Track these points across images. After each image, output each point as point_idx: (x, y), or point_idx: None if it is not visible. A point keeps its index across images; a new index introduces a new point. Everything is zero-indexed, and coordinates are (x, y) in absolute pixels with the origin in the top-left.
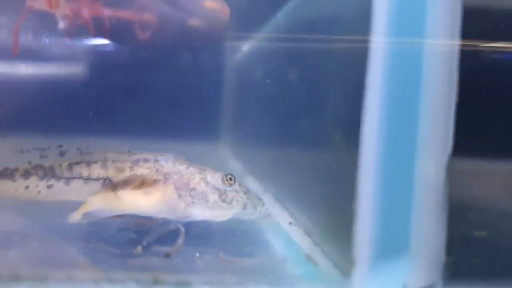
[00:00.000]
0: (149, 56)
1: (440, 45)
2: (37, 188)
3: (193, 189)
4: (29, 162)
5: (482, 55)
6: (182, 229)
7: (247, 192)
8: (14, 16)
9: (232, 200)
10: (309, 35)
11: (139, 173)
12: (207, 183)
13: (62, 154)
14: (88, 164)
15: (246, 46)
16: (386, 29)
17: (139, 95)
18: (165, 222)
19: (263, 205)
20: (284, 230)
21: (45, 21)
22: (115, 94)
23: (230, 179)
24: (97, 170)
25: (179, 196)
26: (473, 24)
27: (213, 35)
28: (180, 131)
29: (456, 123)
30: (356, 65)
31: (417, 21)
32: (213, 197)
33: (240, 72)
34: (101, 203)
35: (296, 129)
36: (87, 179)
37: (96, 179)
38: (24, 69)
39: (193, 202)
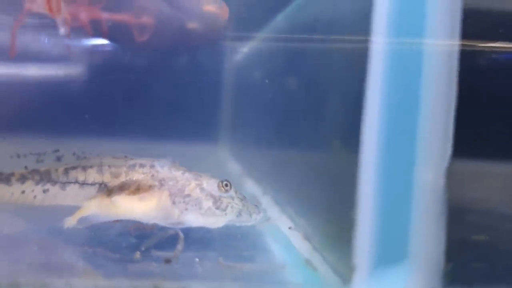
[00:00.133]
0: (148, 58)
1: (440, 45)
2: (33, 192)
3: (188, 195)
4: (26, 167)
5: (482, 55)
6: (181, 235)
7: (243, 198)
8: (12, 18)
9: (226, 207)
10: (309, 36)
11: (134, 179)
12: (202, 189)
13: (58, 158)
14: (84, 168)
15: (245, 47)
16: (386, 29)
17: (138, 97)
18: (164, 227)
19: (259, 212)
20: (284, 234)
21: (44, 23)
22: (114, 96)
23: (226, 185)
24: (92, 175)
25: (173, 202)
26: (473, 24)
27: (211, 36)
28: (179, 133)
29: (455, 125)
30: (356, 65)
31: (417, 21)
32: (207, 203)
33: (239, 73)
34: (97, 208)
35: (295, 131)
36: (83, 183)
37: (92, 184)
38: (22, 71)
39: (186, 209)
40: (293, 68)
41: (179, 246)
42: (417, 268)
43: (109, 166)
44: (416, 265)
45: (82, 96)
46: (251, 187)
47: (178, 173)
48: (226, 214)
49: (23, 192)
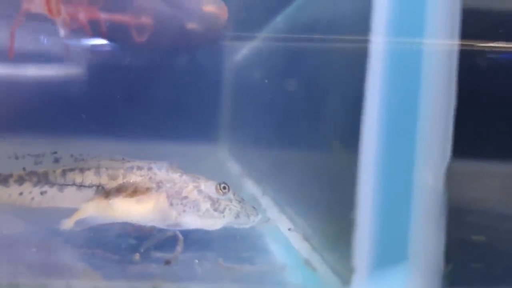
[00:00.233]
0: (147, 58)
1: (440, 45)
2: (31, 194)
3: (185, 197)
4: (24, 168)
5: (482, 55)
6: (180, 236)
7: (241, 201)
8: (11, 18)
9: (224, 209)
10: (308, 36)
11: (132, 181)
12: (200, 191)
13: (56, 160)
14: (82, 171)
15: (245, 48)
16: (386, 29)
17: (137, 97)
18: (162, 229)
19: (258, 214)
20: (283, 235)
21: (42, 23)
22: (113, 97)
23: (224, 187)
24: (90, 177)
25: (171, 204)
26: (473, 24)
27: (211, 36)
28: (179, 133)
29: (455, 125)
30: (355, 65)
31: (416, 21)
32: (205, 205)
33: (239, 73)
34: (94, 211)
35: (295, 131)
36: (80, 186)
37: (89, 186)
38: (21, 72)
39: (184, 211)
40: (292, 68)
41: (179, 248)
42: (416, 269)
43: (107, 168)
44: (416, 266)
45: (81, 97)
46: (250, 187)
47: (175, 176)
48: (224, 216)
49: (20, 193)
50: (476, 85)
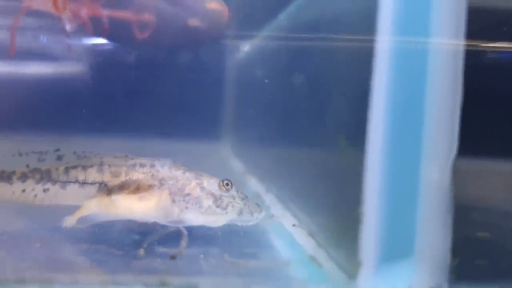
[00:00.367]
0: (150, 56)
1: (445, 44)
2: (34, 191)
3: (188, 194)
4: (27, 165)
5: (487, 54)
6: (185, 231)
7: (244, 198)
8: (12, 16)
9: (227, 205)
10: (313, 35)
11: (134, 178)
12: (202, 188)
13: (59, 157)
14: (84, 168)
15: (247, 45)
16: (392, 28)
17: (140, 95)
18: (165, 225)
19: (261, 211)
20: (288, 231)
21: (43, 20)
22: (115, 94)
23: (227, 184)
24: (92, 174)
25: (173, 201)
26: (478, 23)
27: (213, 34)
28: (181, 131)
29: (461, 123)
30: (361, 64)
31: (422, 20)
32: (207, 202)
33: (242, 71)
34: (96, 208)
35: (298, 129)
36: (83, 183)
37: (92, 183)
38: (25, 69)
39: (186, 208)
40: (296, 66)
41: (183, 242)
42: (423, 264)
43: (109, 166)
44: (422, 261)
45: (83, 94)
46: (254, 185)
47: (178, 173)
48: (227, 212)
49: (23, 191)
50: (482, 85)
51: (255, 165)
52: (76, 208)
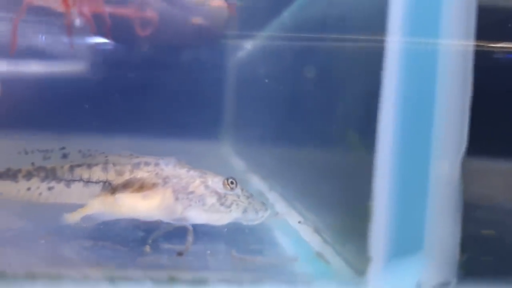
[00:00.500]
0: (152, 54)
1: (455, 45)
2: (38, 189)
3: (192, 192)
4: (33, 164)
5: (497, 55)
6: (190, 227)
7: (249, 196)
8: (13, 12)
9: (231, 204)
10: (317, 34)
11: (138, 177)
12: (207, 186)
13: (64, 156)
14: (89, 166)
15: (249, 44)
16: (402, 28)
17: (141, 93)
18: (169, 222)
19: (266, 209)
20: (293, 228)
21: (45, 18)
22: (116, 92)
23: (232, 182)
24: (97, 173)
25: (177, 199)
26: (488, 24)
27: (216, 32)
28: (182, 129)
29: (470, 123)
30: (371, 63)
31: (432, 21)
32: (210, 200)
33: (243, 70)
34: (100, 206)
35: (303, 128)
36: (88, 181)
37: (96, 182)
38: (28, 67)
39: (189, 205)
40: (300, 65)
41: (190, 238)
42: (431, 260)
43: (114, 164)
44: (431, 257)
45: (84, 92)
46: (256, 183)
47: (182, 171)
48: (230, 211)
49: (28, 189)
50: (491, 85)
51: (256, 164)
52: (80, 206)
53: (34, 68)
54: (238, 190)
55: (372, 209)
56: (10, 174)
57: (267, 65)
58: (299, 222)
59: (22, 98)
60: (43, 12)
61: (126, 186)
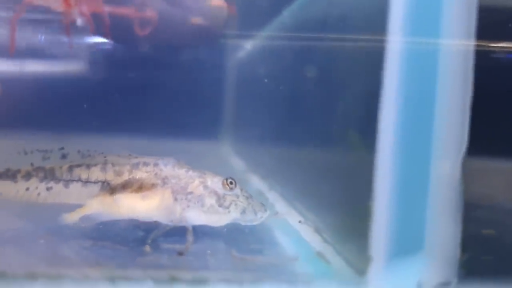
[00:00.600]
0: (152, 54)
1: (456, 45)
2: (37, 190)
3: (190, 192)
4: (32, 164)
5: (498, 55)
6: (190, 227)
7: (249, 197)
8: (12, 12)
9: (230, 204)
10: (319, 34)
11: (137, 177)
12: (206, 187)
13: (64, 156)
14: (88, 167)
15: (249, 44)
16: (402, 28)
17: (140, 93)
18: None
19: (266, 210)
20: (293, 228)
21: (45, 17)
22: (116, 92)
23: (231, 183)
24: (96, 173)
25: (175, 199)
26: (489, 24)
27: (215, 32)
28: (182, 129)
29: (471, 123)
30: (372, 63)
31: (433, 21)
32: (209, 201)
33: (242, 70)
34: (99, 207)
35: (303, 128)
36: (86, 182)
37: (95, 182)
38: (23, 67)
39: (188, 206)
40: (300, 65)
41: (190, 238)
42: (432, 261)
43: (113, 165)
44: (432, 256)
45: (83, 92)
46: (256, 183)
47: (181, 171)
48: (229, 212)
49: (27, 189)
50: (492, 85)
51: (256, 163)
52: (78, 207)
53: (33, 68)
54: (237, 190)
55: (373, 208)
56: (9, 175)
57: (267, 65)
58: (300, 221)
59: (21, 98)
60: (42, 12)
61: (125, 186)
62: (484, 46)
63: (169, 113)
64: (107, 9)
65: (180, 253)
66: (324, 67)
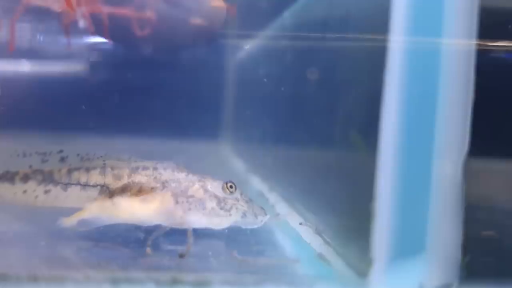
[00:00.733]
0: (151, 55)
1: (458, 44)
2: (35, 192)
3: (191, 196)
4: (30, 166)
5: (499, 54)
6: (190, 229)
7: (248, 200)
8: (11, 12)
9: (231, 208)
10: (321, 34)
11: (136, 181)
12: (206, 190)
13: (62, 159)
14: (87, 170)
15: (249, 44)
16: (404, 28)
17: (140, 94)
18: None
19: (266, 214)
20: (294, 229)
21: (43, 18)
22: (115, 93)
23: (231, 186)
24: (95, 177)
25: (176, 202)
26: (490, 23)
27: (215, 32)
28: (182, 129)
29: (473, 123)
30: (374, 63)
31: (435, 20)
32: (210, 204)
33: (242, 70)
34: (98, 210)
35: (304, 128)
36: (85, 185)
37: (94, 186)
38: (22, 67)
39: (189, 209)
40: (301, 65)
41: (190, 239)
42: (433, 262)
43: (112, 168)
44: (433, 258)
45: (82, 93)
46: (256, 184)
47: (181, 175)
48: (230, 214)
49: (25, 191)
50: (493, 85)
51: (256, 164)
52: (77, 210)
53: (31, 69)
54: (237, 194)
55: (374, 210)
56: (8, 177)
57: (267, 65)
58: (300, 223)
59: (20, 99)
60: (41, 12)
61: (124, 190)
62: (486, 46)
63: (169, 113)
64: (106, 9)
65: (182, 255)
66: (325, 67)
